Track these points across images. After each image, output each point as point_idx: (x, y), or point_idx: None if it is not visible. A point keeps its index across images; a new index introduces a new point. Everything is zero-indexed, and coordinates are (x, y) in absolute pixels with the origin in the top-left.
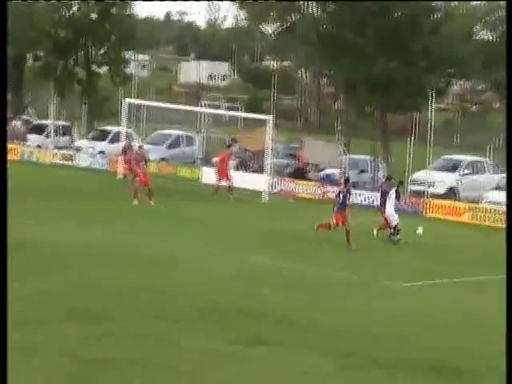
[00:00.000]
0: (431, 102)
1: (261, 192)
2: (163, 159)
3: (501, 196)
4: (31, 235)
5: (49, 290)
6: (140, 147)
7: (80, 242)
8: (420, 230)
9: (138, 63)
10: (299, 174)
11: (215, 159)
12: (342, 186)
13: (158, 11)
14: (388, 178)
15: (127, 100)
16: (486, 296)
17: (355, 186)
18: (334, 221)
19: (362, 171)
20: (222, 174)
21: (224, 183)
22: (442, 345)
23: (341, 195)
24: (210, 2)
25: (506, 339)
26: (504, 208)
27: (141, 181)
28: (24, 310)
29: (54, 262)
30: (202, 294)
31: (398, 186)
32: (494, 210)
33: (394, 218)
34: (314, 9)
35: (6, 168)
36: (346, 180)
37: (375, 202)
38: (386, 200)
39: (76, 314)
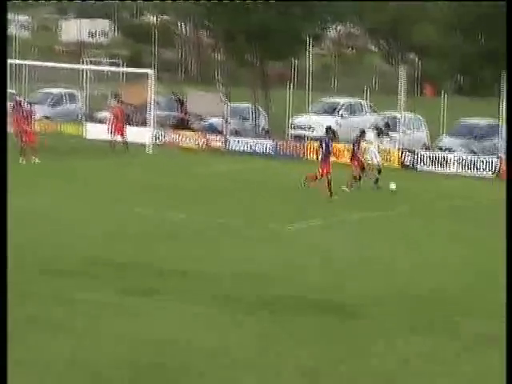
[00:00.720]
0: (308, 48)
1: (146, 144)
2: (47, 117)
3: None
4: None
5: None
6: (30, 104)
7: None
8: (393, 186)
9: (18, 24)
10: (183, 124)
11: (102, 115)
12: (323, 135)
13: None
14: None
15: (9, 61)
16: (356, 235)
17: (238, 133)
18: (320, 171)
19: (244, 119)
20: (117, 129)
21: (119, 138)
22: (319, 282)
23: (323, 144)
24: None
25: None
26: (381, 146)
27: (28, 139)
28: None
29: None
30: (89, 248)
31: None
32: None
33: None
34: None
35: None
36: (328, 128)
37: (258, 149)
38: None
39: None
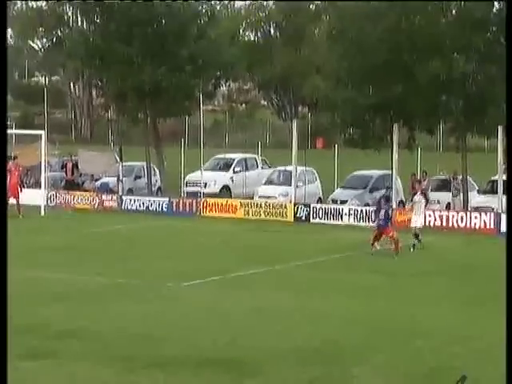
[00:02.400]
0: (200, 104)
1: (39, 206)
2: None
3: (270, 190)
4: None
5: None
6: None
7: None
8: None
9: None
10: (73, 185)
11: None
12: (384, 204)
13: None
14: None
15: None
16: (251, 291)
17: (132, 192)
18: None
19: (137, 177)
20: (12, 192)
21: (13, 201)
22: (216, 340)
23: (381, 213)
24: None
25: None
26: (276, 200)
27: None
28: None
29: None
30: None
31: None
32: (266, 204)
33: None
34: (82, 22)
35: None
36: (386, 198)
37: (152, 207)
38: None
39: None
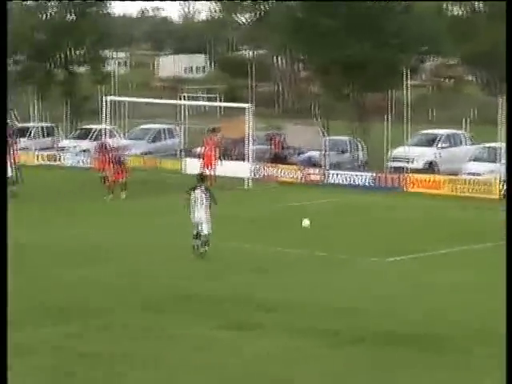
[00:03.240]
0: (406, 79)
1: (244, 179)
2: (146, 153)
3: (478, 167)
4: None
5: (25, 290)
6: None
7: (56, 242)
8: (306, 222)
9: (116, 61)
10: (278, 158)
11: (200, 149)
12: None
13: (131, 8)
14: None
15: (108, 98)
16: (467, 268)
17: (336, 166)
18: None
19: (342, 151)
20: (206, 161)
21: (208, 172)
22: (414, 315)
23: None
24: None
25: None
26: (482, 177)
27: (115, 177)
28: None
29: (31, 263)
30: (182, 283)
31: None
32: (473, 181)
33: None
34: None
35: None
36: None
37: (356, 182)
38: None
39: (58, 311)
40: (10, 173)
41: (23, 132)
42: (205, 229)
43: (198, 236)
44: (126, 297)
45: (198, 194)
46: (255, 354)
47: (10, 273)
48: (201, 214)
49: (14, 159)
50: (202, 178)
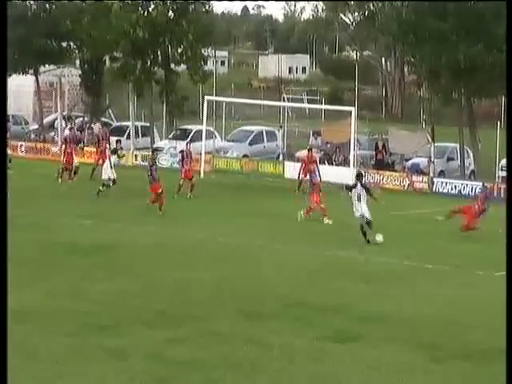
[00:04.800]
0: None
1: (345, 184)
2: (245, 155)
3: None
4: (110, 237)
5: (129, 292)
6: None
7: (156, 242)
8: (379, 238)
9: (216, 60)
10: (383, 164)
11: (301, 153)
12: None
13: (234, 6)
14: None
15: (207, 97)
16: None
17: (443, 174)
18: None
19: (450, 159)
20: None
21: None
22: None
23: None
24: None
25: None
26: None
27: (185, 176)
28: (108, 313)
29: (131, 263)
30: (285, 290)
31: None
32: None
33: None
34: None
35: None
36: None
37: (465, 191)
38: None
39: (159, 315)
40: (108, 174)
41: (120, 131)
42: (368, 216)
43: (364, 226)
44: (226, 302)
45: (359, 190)
46: (367, 365)
47: (115, 274)
48: (363, 207)
49: (103, 158)
50: (359, 175)
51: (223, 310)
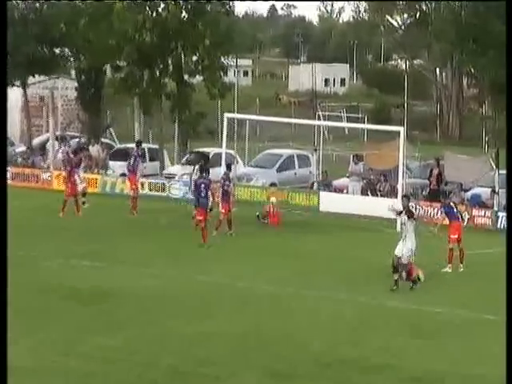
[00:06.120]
0: None
1: (393, 219)
2: (273, 184)
3: None
4: (114, 282)
5: (133, 346)
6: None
7: (171, 286)
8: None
9: (238, 70)
10: (437, 195)
11: (340, 182)
12: None
13: (260, 7)
14: None
15: (227, 115)
16: None
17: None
18: None
19: None
20: None
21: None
22: None
23: None
24: None
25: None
26: None
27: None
28: (108, 372)
29: (140, 313)
30: (321, 347)
31: None
32: None
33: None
34: None
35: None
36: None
37: None
38: None
39: (169, 373)
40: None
41: (123, 154)
42: (405, 256)
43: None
44: (252, 358)
45: (403, 218)
46: None
47: (117, 324)
48: (408, 242)
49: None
50: (406, 197)
51: (248, 369)
